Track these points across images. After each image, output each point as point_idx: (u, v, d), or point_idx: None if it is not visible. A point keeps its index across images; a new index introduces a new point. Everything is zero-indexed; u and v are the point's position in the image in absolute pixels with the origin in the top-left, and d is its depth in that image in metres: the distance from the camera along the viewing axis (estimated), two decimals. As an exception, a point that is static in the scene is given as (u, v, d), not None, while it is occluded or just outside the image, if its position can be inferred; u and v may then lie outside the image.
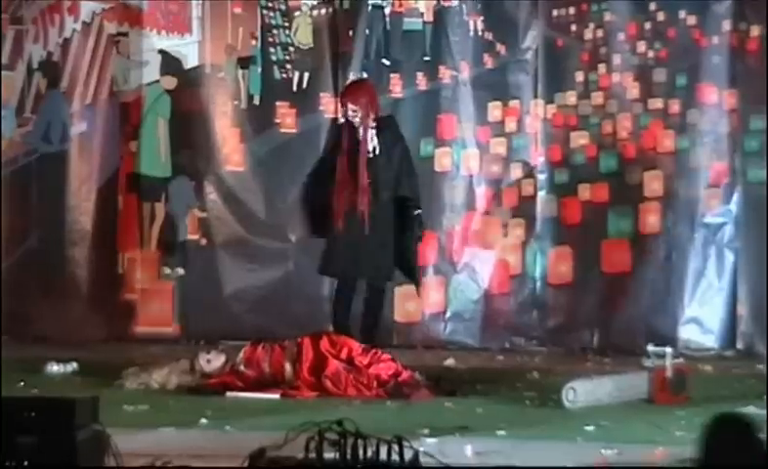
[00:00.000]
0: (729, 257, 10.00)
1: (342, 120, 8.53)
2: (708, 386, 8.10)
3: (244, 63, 10.38)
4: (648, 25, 10.22)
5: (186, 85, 10.35)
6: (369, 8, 10.33)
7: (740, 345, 9.96)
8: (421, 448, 4.83)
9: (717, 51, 10.08)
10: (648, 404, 7.29)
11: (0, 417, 4.67)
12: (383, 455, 4.62)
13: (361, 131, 8.20)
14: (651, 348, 7.59)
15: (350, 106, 8.24)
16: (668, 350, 7.57)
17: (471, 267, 10.19)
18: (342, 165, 8.16)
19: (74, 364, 8.41)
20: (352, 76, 10.25)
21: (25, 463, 4.65)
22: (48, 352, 8.84)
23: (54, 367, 8.35)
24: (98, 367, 8.33)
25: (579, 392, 7.18)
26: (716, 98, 10.07)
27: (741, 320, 9.96)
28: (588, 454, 5.59)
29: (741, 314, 9.96)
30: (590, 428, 6.35)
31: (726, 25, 10.06)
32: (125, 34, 10.37)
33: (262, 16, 10.38)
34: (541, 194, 10.20)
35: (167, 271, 10.32)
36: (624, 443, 5.87)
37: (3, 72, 10.35)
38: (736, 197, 10.02)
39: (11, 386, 7.45)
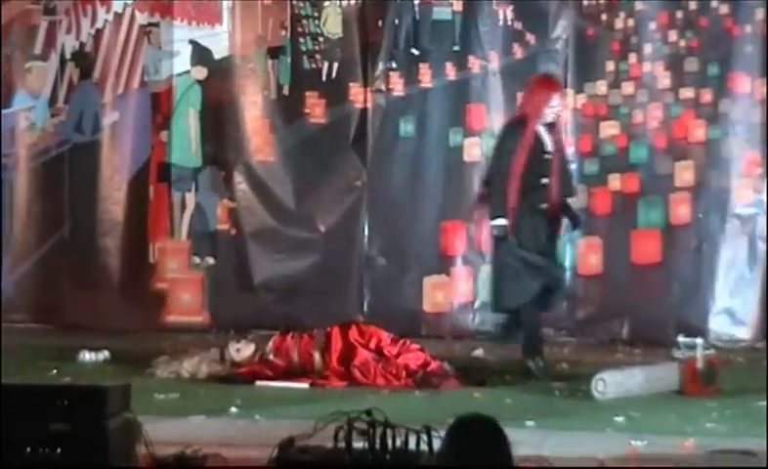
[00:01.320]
0: (761, 248, 9.95)
1: (519, 117, 8.20)
2: (740, 378, 8.06)
3: (274, 53, 10.40)
4: (679, 14, 10.16)
5: (216, 75, 10.37)
6: (398, -2, 10.34)
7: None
8: (450, 438, 4.82)
9: (749, 40, 10.02)
10: (678, 395, 7.27)
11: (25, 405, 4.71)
12: (412, 445, 4.64)
13: (551, 128, 7.97)
14: (681, 339, 7.57)
15: (555, 100, 7.99)
16: (699, 341, 7.54)
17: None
18: (529, 166, 7.84)
19: (106, 353, 8.46)
20: (381, 66, 10.25)
21: (58, 451, 4.68)
22: (80, 340, 8.89)
23: (86, 356, 8.40)
24: (129, 356, 8.37)
25: (609, 383, 7.17)
26: (748, 87, 10.01)
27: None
28: (618, 445, 5.58)
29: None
30: (620, 419, 6.34)
31: (759, 14, 9.99)
32: (156, 25, 10.40)
33: (291, 6, 10.38)
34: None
35: (197, 260, 10.35)
36: (654, 434, 5.86)
37: (36, 63, 10.40)
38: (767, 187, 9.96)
39: (44, 374, 7.51)
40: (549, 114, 7.97)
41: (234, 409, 6.55)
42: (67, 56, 10.42)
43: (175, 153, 10.39)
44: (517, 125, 8.08)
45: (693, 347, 7.49)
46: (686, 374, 7.39)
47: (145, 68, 10.40)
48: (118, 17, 10.39)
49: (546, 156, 7.96)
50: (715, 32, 10.11)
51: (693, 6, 10.13)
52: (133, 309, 10.15)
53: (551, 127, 8.03)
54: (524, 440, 5.54)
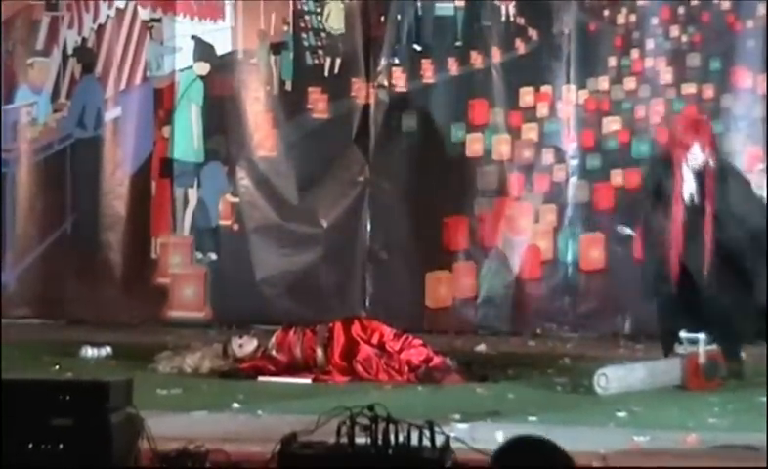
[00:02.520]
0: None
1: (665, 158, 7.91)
2: (742, 373, 8.05)
3: (276, 48, 10.39)
4: (681, 9, 10.16)
5: (218, 71, 10.38)
6: (401, -7, 10.34)
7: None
8: (452, 434, 4.85)
9: (752, 35, 10.02)
10: (680, 390, 7.27)
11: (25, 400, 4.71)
12: (414, 440, 4.63)
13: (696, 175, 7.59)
14: (683, 334, 7.56)
15: (695, 144, 7.55)
16: (701, 336, 7.54)
17: (503, 252, 10.18)
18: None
19: (108, 348, 8.46)
20: (383, 61, 10.25)
21: (60, 446, 4.69)
22: (82, 335, 8.90)
23: (88, 351, 8.40)
24: (131, 351, 8.37)
25: (611, 378, 7.17)
26: (751, 82, 10.01)
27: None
28: (620, 440, 5.58)
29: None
30: (622, 414, 6.34)
31: (761, 9, 10.00)
32: (159, 20, 10.40)
33: (294, 1, 10.38)
34: (573, 180, 10.18)
35: (200, 255, 10.35)
36: (656, 429, 5.85)
37: (38, 58, 10.40)
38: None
39: (46, 369, 7.52)
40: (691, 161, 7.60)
41: (236, 405, 6.56)
42: (70, 51, 10.42)
43: (177, 149, 10.39)
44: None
45: (695, 342, 7.49)
46: (688, 369, 7.39)
47: (147, 64, 10.40)
48: (120, 12, 10.39)
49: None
50: (717, 27, 10.10)
51: (695, 1, 10.13)
52: (135, 304, 10.16)
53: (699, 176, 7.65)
54: (526, 435, 5.55)
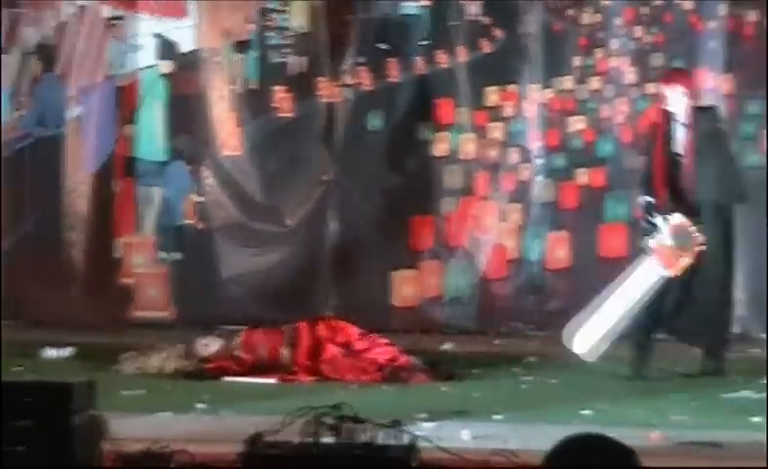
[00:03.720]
0: (726, 241, 9.98)
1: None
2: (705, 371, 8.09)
3: (241, 47, 10.37)
4: (645, 10, 10.21)
5: (182, 69, 10.34)
6: (366, -8, 10.33)
7: (737, 329, 9.94)
8: (418, 433, 4.83)
9: (713, 35, 10.07)
10: (644, 387, 7.27)
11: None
12: (380, 440, 4.62)
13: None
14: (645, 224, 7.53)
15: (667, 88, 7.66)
16: (661, 219, 7.51)
17: (469, 251, 10.19)
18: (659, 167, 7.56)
19: (71, 349, 8.40)
20: (349, 61, 10.25)
21: (22, 448, 4.64)
22: (45, 336, 8.84)
23: (51, 352, 8.34)
24: (95, 352, 8.32)
25: (587, 337, 7.16)
26: (712, 82, 10.06)
27: (738, 305, 9.94)
28: (585, 439, 5.57)
29: (738, 298, 9.93)
30: (587, 412, 6.36)
31: (722, 10, 10.05)
32: (121, 18, 10.35)
33: (259, 0, 10.36)
34: (539, 179, 10.20)
35: (163, 255, 10.31)
36: (621, 426, 5.86)
37: (-2, 56, 10.34)
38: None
39: (8, 370, 7.45)
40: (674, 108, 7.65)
41: (201, 405, 6.52)
42: (30, 49, 10.35)
43: (141, 148, 10.34)
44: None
45: (656, 226, 7.46)
46: (662, 257, 7.28)
47: (109, 62, 10.34)
48: (82, 9, 10.32)
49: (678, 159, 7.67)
50: (680, 28, 10.16)
51: (658, 1, 10.19)
52: (98, 304, 10.09)
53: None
54: (492, 433, 5.57)
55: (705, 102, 7.95)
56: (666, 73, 8.52)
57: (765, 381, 7.37)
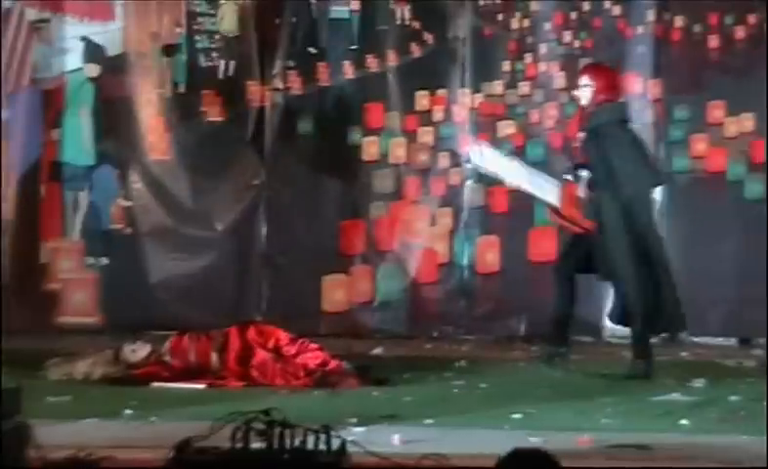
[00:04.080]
0: (655, 246, 10.08)
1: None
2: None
3: (169, 50, 10.31)
4: (574, 15, 10.29)
5: (109, 73, 10.25)
6: (296, -4, 10.32)
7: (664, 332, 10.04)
8: (349, 437, 4.82)
9: (642, 41, 10.17)
10: (573, 392, 7.32)
11: None
12: (310, 445, 4.61)
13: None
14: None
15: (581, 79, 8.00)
16: (585, 173, 7.66)
17: (399, 256, 10.20)
18: None
19: (-3, 355, 8.28)
20: (278, 64, 10.23)
21: (-55, 456, 4.57)
22: (-31, 343, 8.70)
23: (-25, 359, 8.22)
24: (20, 358, 8.19)
25: (487, 154, 7.30)
26: (641, 87, 10.16)
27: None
28: (516, 442, 5.59)
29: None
30: (517, 416, 6.39)
31: (650, 16, 10.16)
32: (47, 21, 10.24)
33: (187, 3, 10.31)
34: (469, 183, 10.23)
35: (91, 260, 10.21)
36: (551, 430, 5.90)
37: None
38: (660, 186, 10.10)
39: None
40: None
41: (129, 411, 6.46)
42: (-45, 53, 10.22)
43: (67, 152, 10.24)
44: None
45: (578, 178, 7.67)
46: (565, 194, 7.46)
47: (35, 65, 10.22)
48: (7, 12, 10.19)
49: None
50: (609, 33, 10.25)
51: (587, 7, 10.27)
52: (24, 310, 9.96)
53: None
54: (422, 438, 5.57)
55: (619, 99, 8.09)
56: (584, 66, 8.67)
57: (696, 383, 7.47)
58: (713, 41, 10.13)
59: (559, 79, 10.26)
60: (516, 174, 7.59)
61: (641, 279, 7.85)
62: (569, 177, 8.05)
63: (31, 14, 10.20)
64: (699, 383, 7.55)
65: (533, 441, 5.63)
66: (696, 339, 9.86)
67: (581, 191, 7.82)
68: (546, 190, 7.79)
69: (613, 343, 9.67)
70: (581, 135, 8.07)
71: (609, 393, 7.21)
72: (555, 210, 8.02)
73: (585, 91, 8.00)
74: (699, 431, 6.03)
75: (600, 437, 5.77)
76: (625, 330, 9.86)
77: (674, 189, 10.06)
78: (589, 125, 7.97)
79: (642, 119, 10.12)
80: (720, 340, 9.90)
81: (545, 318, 9.85)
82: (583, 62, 10.15)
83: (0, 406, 4.65)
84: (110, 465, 4.89)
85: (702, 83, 10.14)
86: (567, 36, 10.29)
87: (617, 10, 10.23)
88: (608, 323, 9.92)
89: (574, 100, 8.23)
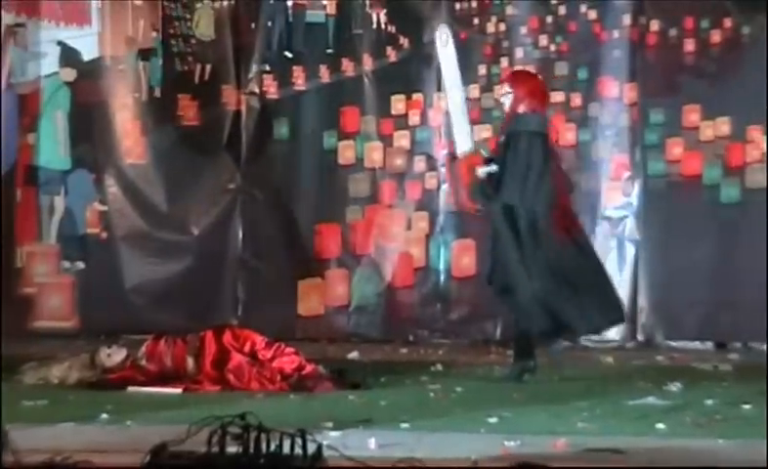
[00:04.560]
0: (630, 249, 10.13)
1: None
2: (609, 378, 8.20)
3: (145, 55, 10.30)
4: (549, 19, 10.32)
5: (85, 77, 10.23)
6: (272, 0, 10.30)
7: (640, 337, 10.10)
8: (324, 442, 4.82)
9: (618, 45, 10.21)
10: (550, 396, 7.34)
11: None
12: (286, 449, 4.61)
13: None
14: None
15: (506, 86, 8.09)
16: (493, 167, 7.81)
17: (375, 260, 10.21)
18: None
19: (-28, 360, 8.25)
20: (254, 68, 10.23)
21: None
22: (-56, 348, 8.67)
23: (-50, 363, 8.18)
24: (-4, 363, 8.18)
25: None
26: (617, 91, 10.21)
27: (641, 313, 10.10)
28: (491, 446, 5.61)
29: (641, 306, 10.09)
30: (493, 420, 6.39)
31: (626, 20, 10.20)
32: (23, 25, 10.22)
33: (163, 7, 10.30)
34: (445, 187, 10.25)
35: (67, 264, 10.19)
36: (527, 434, 5.91)
37: None
38: (636, 190, 10.16)
39: None
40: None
41: (104, 415, 6.44)
42: (-69, 56, 10.18)
43: (43, 156, 10.22)
44: None
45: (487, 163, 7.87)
46: (469, 160, 7.70)
47: (11, 70, 10.19)
48: (-12, 19, 10.17)
49: None
50: (584, 37, 10.29)
51: (563, 11, 10.30)
52: (0, 314, 9.93)
53: None
54: (398, 442, 5.57)
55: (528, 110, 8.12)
56: (508, 73, 8.79)
57: (671, 387, 7.50)
58: (689, 45, 10.18)
59: (535, 83, 10.27)
60: (458, 107, 7.67)
61: (526, 285, 7.86)
62: (483, 153, 8.10)
63: (8, 18, 10.18)
64: (674, 387, 7.57)
65: (509, 445, 5.64)
66: (672, 343, 9.91)
67: (481, 172, 7.90)
68: (464, 138, 7.84)
69: (590, 347, 9.71)
70: (502, 137, 8.09)
71: (584, 396, 7.23)
72: (453, 156, 8.09)
73: (507, 98, 8.04)
74: (674, 435, 6.05)
75: (576, 440, 5.78)
76: (602, 334, 9.95)
77: (650, 192, 10.11)
78: (506, 130, 7.98)
79: (618, 123, 10.18)
80: (696, 344, 9.95)
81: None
82: (561, 69, 10.25)
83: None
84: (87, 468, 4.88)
85: (677, 87, 10.18)
86: (543, 40, 10.32)
87: (592, 14, 10.27)
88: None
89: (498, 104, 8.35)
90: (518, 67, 9.88)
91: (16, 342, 9.43)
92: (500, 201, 7.82)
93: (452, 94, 8.50)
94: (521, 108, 7.92)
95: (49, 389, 7.36)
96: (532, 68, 10.27)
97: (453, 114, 8.30)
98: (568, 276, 7.83)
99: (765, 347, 9.62)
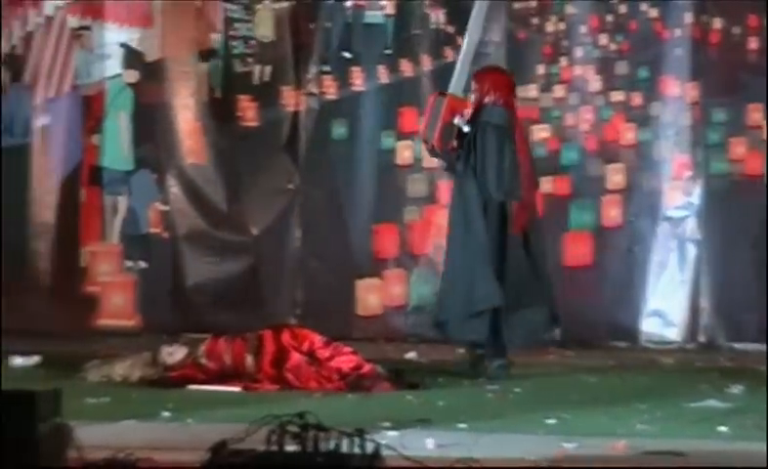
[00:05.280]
0: (691, 250, 10.05)
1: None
2: (670, 380, 8.15)
3: (206, 56, 10.37)
4: (610, 18, 10.26)
5: (148, 78, 10.32)
6: (331, 1, 10.33)
7: (702, 338, 10.01)
8: (382, 441, 4.83)
9: (679, 43, 10.13)
10: (609, 397, 7.31)
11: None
12: (344, 448, 4.62)
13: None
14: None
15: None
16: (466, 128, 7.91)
17: (432, 260, 10.20)
18: None
19: (37, 357, 8.37)
20: (313, 69, 10.27)
21: (-14, 457, 4.63)
22: (10, 345, 8.79)
23: (16, 360, 8.31)
24: (60, 360, 8.29)
25: None
26: (678, 90, 10.12)
27: (703, 313, 10.02)
28: (549, 447, 5.61)
29: (703, 307, 10.01)
30: (551, 421, 6.38)
31: (688, 18, 10.11)
32: (88, 28, 10.33)
33: (224, 9, 10.36)
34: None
35: (129, 264, 10.29)
36: (585, 435, 5.90)
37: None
38: (698, 190, 10.08)
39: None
40: None
41: (166, 413, 6.51)
42: (-2, 59, 10.32)
43: (107, 157, 10.33)
44: None
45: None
46: (455, 104, 7.97)
47: (76, 72, 10.32)
48: (49, 19, 10.30)
49: None
50: (645, 36, 10.21)
51: (623, 10, 10.24)
52: (64, 313, 10.06)
53: None
54: (456, 442, 5.57)
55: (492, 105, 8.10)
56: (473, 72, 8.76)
57: (733, 389, 7.44)
58: (752, 43, 10.07)
59: (594, 82, 10.24)
60: (467, 54, 7.76)
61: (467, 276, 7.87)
62: (471, 98, 8.14)
63: (73, 21, 10.30)
64: (736, 389, 7.50)
65: (567, 446, 5.63)
66: (733, 345, 9.81)
67: (458, 121, 8.03)
68: (459, 82, 7.88)
69: (650, 348, 9.65)
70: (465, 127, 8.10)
71: (644, 398, 7.19)
72: (442, 93, 8.31)
73: (473, 96, 8.13)
74: (736, 438, 5.99)
75: (635, 443, 5.75)
76: (663, 335, 9.88)
77: (712, 192, 10.03)
78: (475, 119, 8.04)
79: (679, 122, 10.11)
80: (758, 345, 9.84)
81: (580, 322, 9.88)
82: (621, 68, 10.19)
83: (38, 408, 4.70)
84: (148, 466, 4.93)
85: (740, 85, 10.08)
86: (603, 39, 10.26)
87: (654, 12, 10.19)
88: (645, 328, 9.93)
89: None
90: (576, 67, 9.85)
91: (79, 340, 9.56)
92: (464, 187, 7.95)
93: (468, 39, 8.64)
94: (486, 100, 8.00)
95: (111, 386, 7.45)
96: (591, 68, 10.25)
97: (461, 58, 8.43)
98: (513, 281, 7.86)
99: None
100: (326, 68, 10.29)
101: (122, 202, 10.35)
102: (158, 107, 10.30)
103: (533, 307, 7.95)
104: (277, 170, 10.28)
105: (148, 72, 10.32)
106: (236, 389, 7.38)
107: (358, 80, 10.33)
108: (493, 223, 7.92)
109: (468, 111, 8.07)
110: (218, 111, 10.32)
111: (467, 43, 8.36)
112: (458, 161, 8.04)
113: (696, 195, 10.07)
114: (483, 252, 7.88)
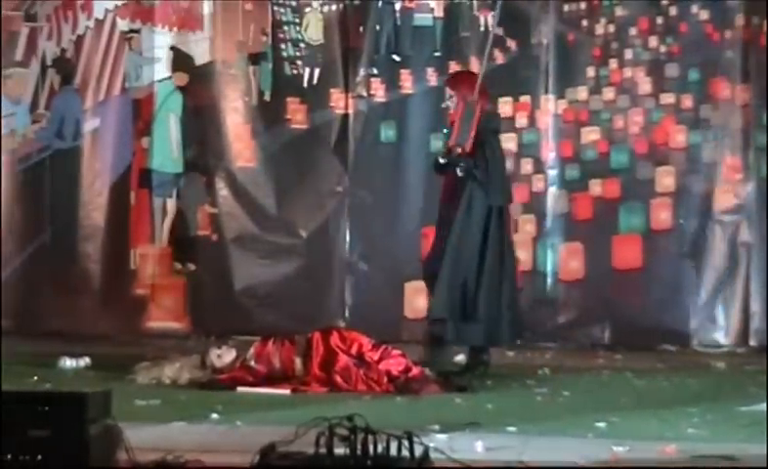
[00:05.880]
0: (742, 253, 9.98)
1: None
2: (720, 383, 8.09)
3: (255, 59, 10.41)
4: (660, 20, 10.22)
5: (197, 81, 10.38)
6: (380, 4, 10.35)
7: (753, 342, 9.95)
8: (431, 444, 4.83)
9: (730, 45, 10.07)
10: (660, 401, 7.27)
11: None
12: (393, 451, 4.62)
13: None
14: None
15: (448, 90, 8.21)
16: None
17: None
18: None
19: (87, 359, 8.43)
20: (362, 72, 10.28)
21: (39, 457, 4.66)
22: (61, 347, 8.86)
23: (67, 362, 8.37)
24: (110, 362, 8.34)
25: None
26: (729, 93, 10.06)
27: (754, 317, 9.95)
28: (599, 451, 5.58)
29: (754, 310, 9.95)
30: (601, 424, 6.35)
31: (739, 20, 10.05)
32: (137, 31, 10.40)
33: (273, 12, 10.40)
34: (552, 190, 10.20)
35: (179, 266, 10.34)
36: (635, 439, 5.86)
37: (17, 69, 10.37)
38: (749, 193, 10.00)
39: (24, 380, 7.48)
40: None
41: (215, 415, 6.53)
42: (48, 62, 10.40)
43: (156, 159, 10.39)
44: None
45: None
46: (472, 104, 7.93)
47: (126, 75, 10.39)
48: (99, 23, 10.37)
49: None
50: (696, 38, 10.16)
51: (673, 12, 10.19)
52: (114, 315, 10.13)
53: None
54: (505, 445, 5.56)
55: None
56: (445, 80, 8.77)
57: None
58: (804, 45, 10.01)
59: (644, 85, 10.19)
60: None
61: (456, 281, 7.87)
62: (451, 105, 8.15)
63: (123, 25, 10.37)
64: (787, 393, 7.44)
65: (618, 450, 5.60)
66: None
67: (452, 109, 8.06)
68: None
69: (700, 352, 9.59)
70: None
71: (695, 402, 7.14)
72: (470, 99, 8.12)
73: (451, 101, 8.16)
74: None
75: (685, 447, 5.71)
76: (714, 338, 9.82)
77: (763, 195, 9.95)
78: (480, 126, 8.01)
79: (730, 125, 10.04)
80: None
81: (630, 325, 9.84)
82: (671, 70, 10.13)
83: (88, 410, 4.74)
84: (197, 468, 4.96)
85: (791, 88, 10.01)
86: (653, 41, 10.21)
87: (704, 14, 10.13)
88: (695, 331, 9.87)
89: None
90: (626, 69, 9.82)
91: (129, 342, 9.62)
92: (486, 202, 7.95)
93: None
94: (478, 107, 8.02)
95: (161, 388, 7.48)
96: (641, 70, 10.20)
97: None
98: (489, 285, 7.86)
99: None
100: (375, 71, 10.31)
101: (171, 205, 10.41)
102: (207, 110, 10.36)
103: (501, 310, 7.98)
104: (325, 173, 10.30)
105: (197, 75, 10.38)
106: (285, 391, 7.40)
107: (406, 82, 10.34)
108: (498, 228, 7.92)
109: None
110: (267, 114, 10.36)
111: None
112: (476, 169, 7.98)
113: (746, 198, 10.00)
114: (475, 259, 7.92)
